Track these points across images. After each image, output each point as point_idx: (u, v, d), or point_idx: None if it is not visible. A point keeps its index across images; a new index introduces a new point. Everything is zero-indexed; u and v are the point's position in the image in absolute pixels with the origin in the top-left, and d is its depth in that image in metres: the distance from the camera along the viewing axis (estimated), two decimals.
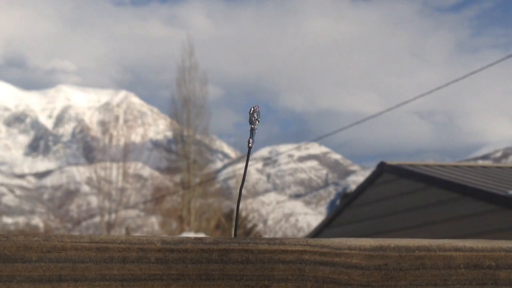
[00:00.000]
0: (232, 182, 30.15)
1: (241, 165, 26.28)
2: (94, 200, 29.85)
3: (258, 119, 0.94)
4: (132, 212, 28.48)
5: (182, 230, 22.46)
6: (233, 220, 24.96)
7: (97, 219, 27.48)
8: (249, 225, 26.81)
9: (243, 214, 26.19)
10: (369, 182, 9.93)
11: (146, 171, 33.76)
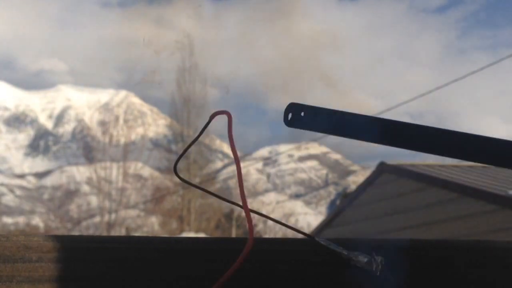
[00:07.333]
0: (232, 182, 30.14)
1: (241, 165, 26.18)
2: (94, 200, 29.83)
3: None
4: (132, 212, 28.45)
5: (182, 230, 22.46)
6: (233, 220, 24.98)
7: (97, 219, 27.46)
8: None
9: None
10: (369, 182, 9.93)
11: (146, 171, 33.71)
